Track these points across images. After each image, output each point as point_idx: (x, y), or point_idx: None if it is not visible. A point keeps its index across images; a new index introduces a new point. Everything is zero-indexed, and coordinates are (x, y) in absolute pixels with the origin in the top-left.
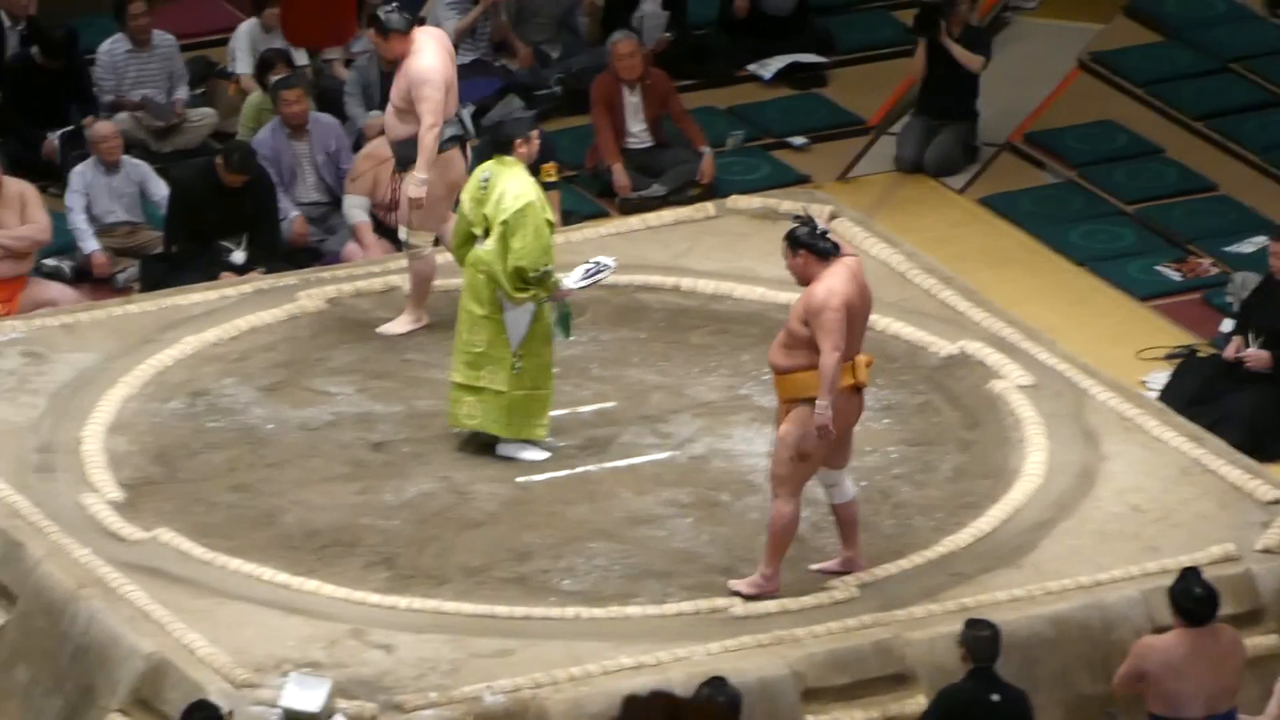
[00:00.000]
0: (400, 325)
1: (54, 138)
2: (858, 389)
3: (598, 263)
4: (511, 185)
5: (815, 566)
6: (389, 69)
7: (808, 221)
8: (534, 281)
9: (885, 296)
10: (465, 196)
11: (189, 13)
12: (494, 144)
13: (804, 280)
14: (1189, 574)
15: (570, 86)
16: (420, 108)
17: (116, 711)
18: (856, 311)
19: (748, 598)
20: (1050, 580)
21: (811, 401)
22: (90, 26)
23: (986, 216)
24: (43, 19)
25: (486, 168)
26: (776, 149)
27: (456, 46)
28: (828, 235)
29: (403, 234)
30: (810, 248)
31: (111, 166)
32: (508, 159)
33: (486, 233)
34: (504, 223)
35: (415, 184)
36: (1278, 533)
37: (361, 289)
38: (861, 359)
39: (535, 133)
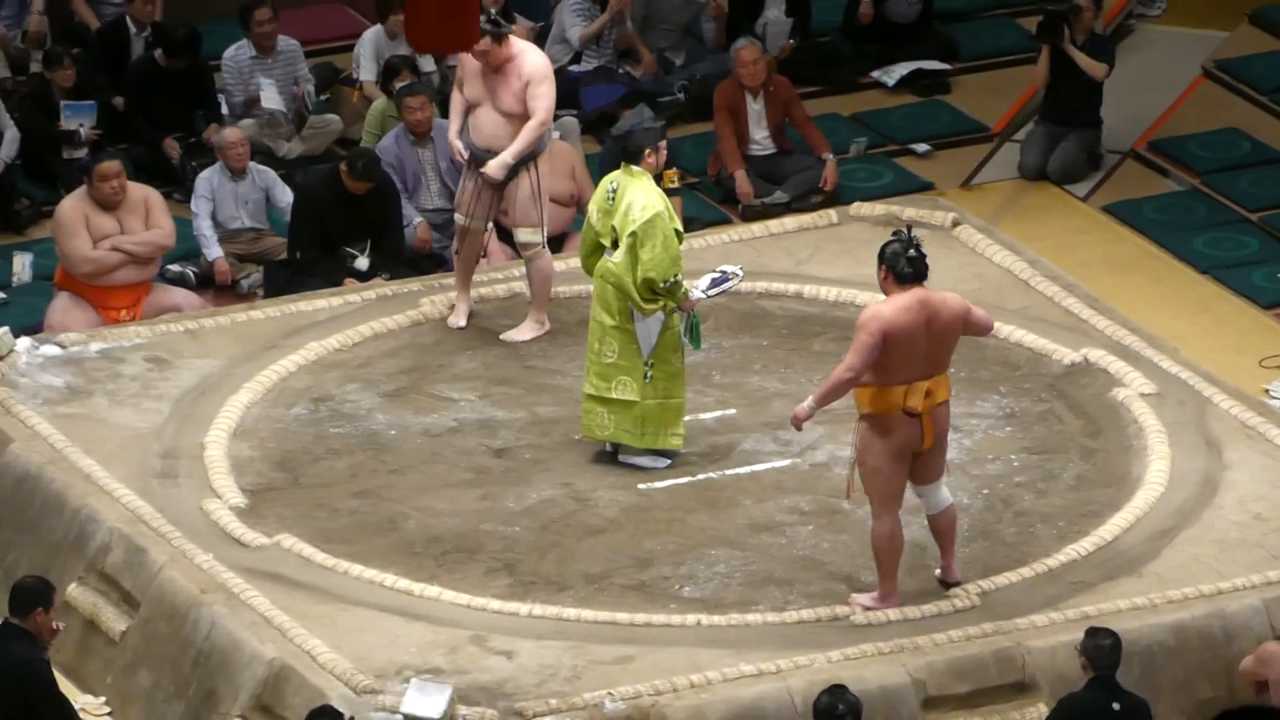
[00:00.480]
0: (525, 331)
1: (174, 139)
2: (910, 414)
3: (724, 271)
4: (639, 196)
5: (856, 597)
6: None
7: (903, 238)
8: (663, 292)
9: (1008, 304)
10: (592, 207)
11: (314, 19)
12: (624, 153)
13: (885, 294)
14: None
15: (694, 93)
16: (536, 104)
17: (238, 717)
18: (904, 341)
19: (865, 608)
20: (1172, 589)
21: (867, 418)
22: (215, 33)
23: (1110, 224)
24: (167, 24)
25: (614, 178)
26: (900, 156)
27: (580, 53)
28: (916, 259)
29: (520, 235)
30: (890, 266)
31: (238, 173)
32: (635, 169)
33: (615, 243)
34: (632, 234)
35: (498, 166)
36: None
37: (485, 295)
38: (922, 385)
39: (664, 144)
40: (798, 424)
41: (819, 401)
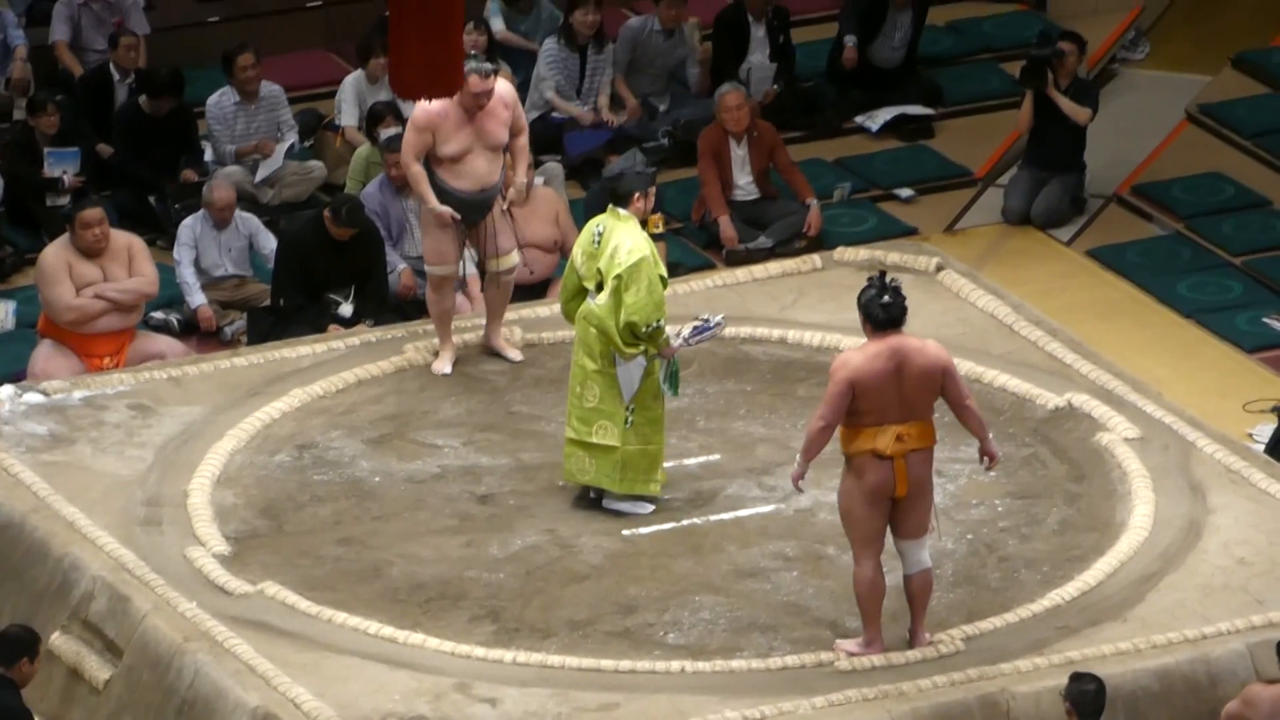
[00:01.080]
0: (515, 351)
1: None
2: (879, 456)
3: (707, 321)
4: (626, 239)
5: (840, 643)
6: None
7: (877, 284)
8: (645, 337)
9: (991, 349)
10: (577, 250)
11: (296, 65)
12: (612, 195)
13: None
14: None
15: (678, 138)
16: (521, 121)
17: None
18: (873, 388)
19: (849, 654)
20: (1156, 634)
21: (846, 459)
22: (199, 79)
23: (1094, 268)
24: (150, 67)
25: (600, 221)
26: (884, 201)
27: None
28: (891, 304)
29: (511, 261)
30: (865, 312)
31: (222, 221)
32: (623, 212)
33: (599, 287)
34: (618, 277)
35: (524, 189)
36: None
37: (469, 341)
38: (893, 429)
39: (654, 189)
40: (796, 485)
41: (805, 457)
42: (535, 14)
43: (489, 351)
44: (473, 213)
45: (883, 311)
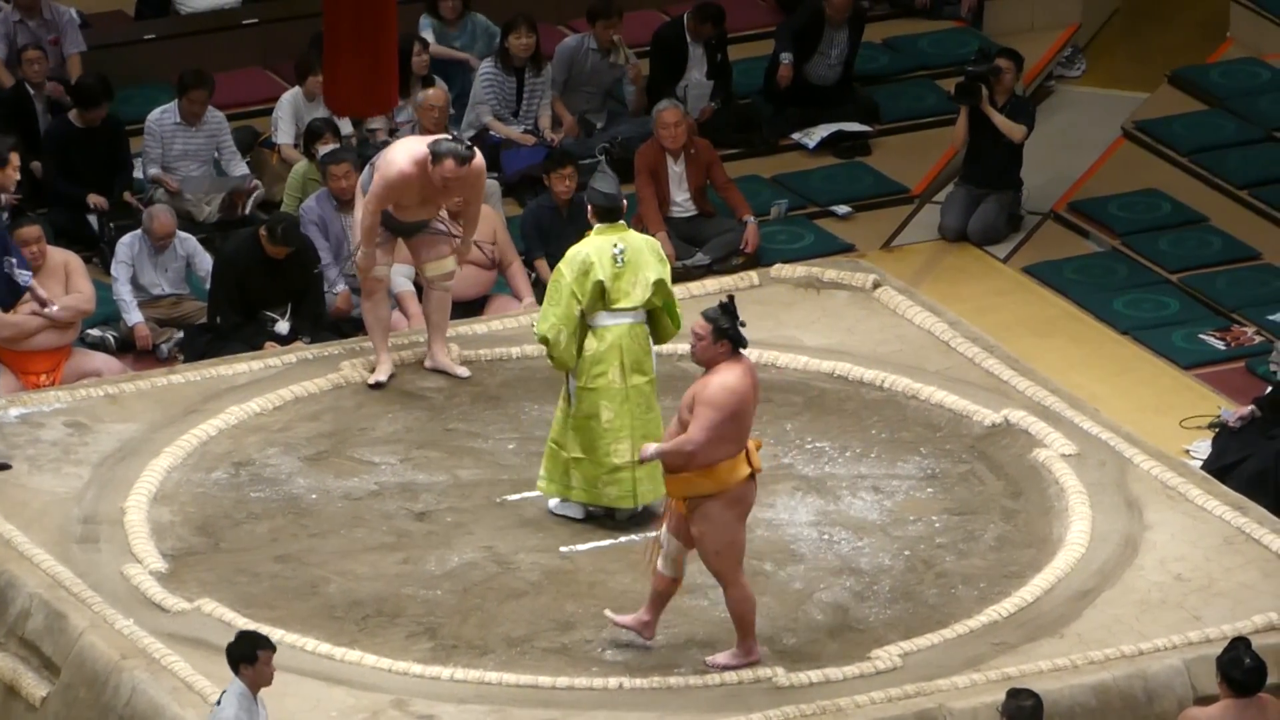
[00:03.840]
0: (459, 368)
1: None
2: (755, 473)
3: None
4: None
5: (713, 659)
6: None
7: (731, 309)
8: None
9: (928, 365)
10: (597, 275)
11: (233, 83)
12: (614, 212)
13: (707, 363)
14: (1238, 644)
15: (615, 155)
16: (476, 190)
17: None
18: (747, 410)
19: (724, 668)
20: (1093, 649)
21: (709, 497)
22: (134, 97)
23: (1030, 285)
24: (79, 79)
25: (613, 239)
26: (820, 218)
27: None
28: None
29: (446, 267)
30: (729, 335)
31: (161, 247)
32: (620, 224)
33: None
34: (659, 280)
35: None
36: None
37: (406, 359)
38: (752, 444)
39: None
40: (644, 459)
41: (660, 455)
42: (468, 28)
43: (434, 370)
44: (409, 233)
45: (742, 336)
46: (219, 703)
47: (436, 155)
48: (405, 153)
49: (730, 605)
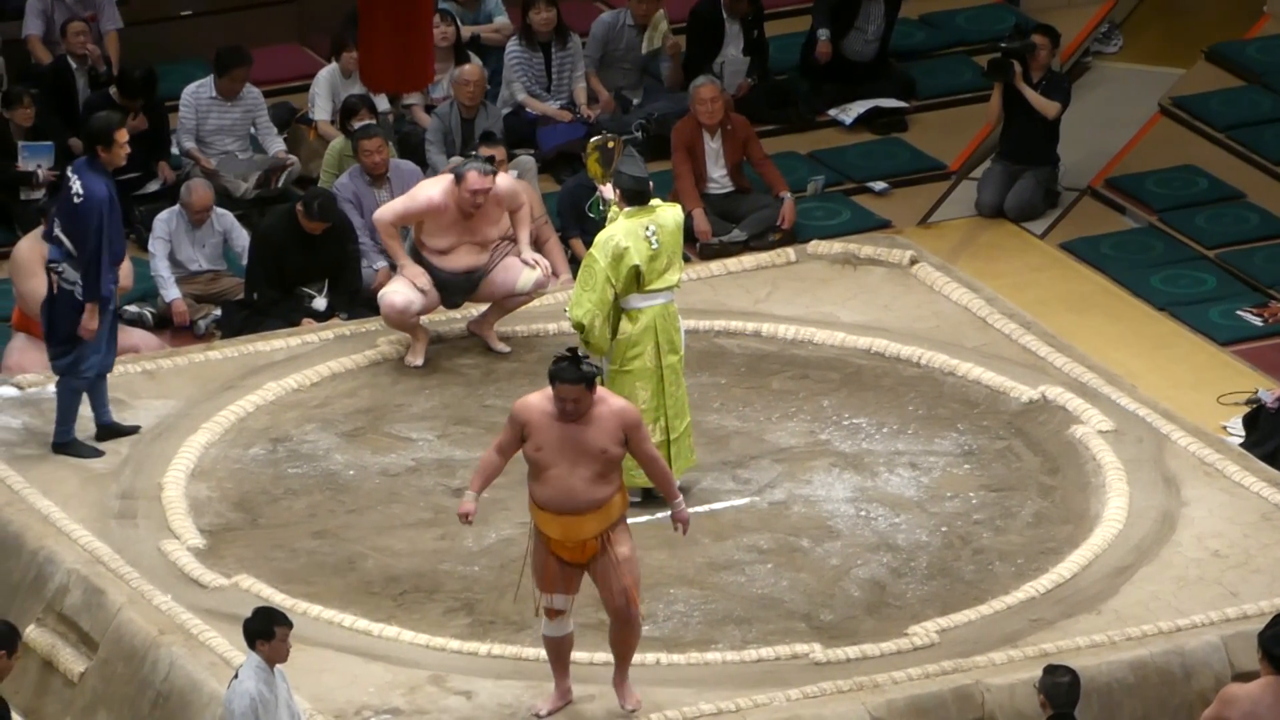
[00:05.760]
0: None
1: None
2: None
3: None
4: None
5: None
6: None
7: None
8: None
9: (966, 341)
10: (630, 260)
11: (270, 59)
12: (643, 195)
13: (582, 414)
14: None
15: (651, 131)
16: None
17: None
18: None
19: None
20: (1130, 626)
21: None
22: (171, 73)
23: (1067, 261)
24: (125, 65)
25: (643, 220)
26: (857, 194)
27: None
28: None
29: (530, 281)
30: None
31: (199, 221)
32: (649, 206)
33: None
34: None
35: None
36: None
37: (444, 334)
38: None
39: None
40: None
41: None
42: (483, 9)
43: (473, 334)
44: (455, 294)
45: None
46: (236, 675)
47: (458, 176)
48: (433, 184)
49: (633, 636)
